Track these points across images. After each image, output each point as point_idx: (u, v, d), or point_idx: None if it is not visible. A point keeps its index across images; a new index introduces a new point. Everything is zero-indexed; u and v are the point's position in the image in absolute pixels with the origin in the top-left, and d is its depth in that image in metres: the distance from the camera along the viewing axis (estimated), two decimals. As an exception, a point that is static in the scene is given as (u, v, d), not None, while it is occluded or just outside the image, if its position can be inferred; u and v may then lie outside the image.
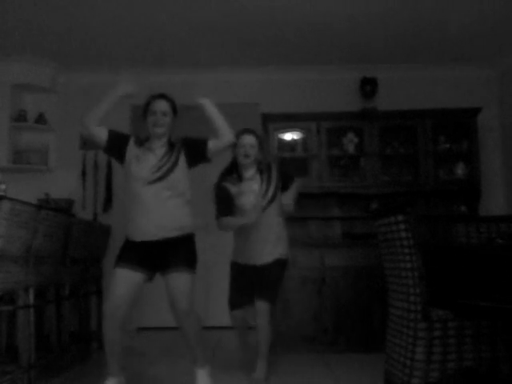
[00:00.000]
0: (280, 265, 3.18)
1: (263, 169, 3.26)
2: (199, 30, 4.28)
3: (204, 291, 5.59)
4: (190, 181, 2.89)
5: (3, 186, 3.28)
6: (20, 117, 4.90)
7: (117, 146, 2.81)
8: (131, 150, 2.80)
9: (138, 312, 5.32)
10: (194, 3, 3.83)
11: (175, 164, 2.79)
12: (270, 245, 3.15)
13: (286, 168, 4.55)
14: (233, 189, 3.18)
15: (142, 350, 4.29)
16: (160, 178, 2.72)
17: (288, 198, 3.26)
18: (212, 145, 2.85)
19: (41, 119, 4.97)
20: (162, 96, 2.86)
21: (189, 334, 2.80)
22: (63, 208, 4.42)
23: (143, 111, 2.85)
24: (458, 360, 2.36)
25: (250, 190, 3.15)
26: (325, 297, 4.11)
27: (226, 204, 3.16)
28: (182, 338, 2.84)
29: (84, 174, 5.06)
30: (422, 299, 2.37)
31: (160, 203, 2.71)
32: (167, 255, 2.74)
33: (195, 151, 2.85)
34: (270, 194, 3.17)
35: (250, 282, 3.19)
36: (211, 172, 5.49)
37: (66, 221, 3.43)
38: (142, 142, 2.85)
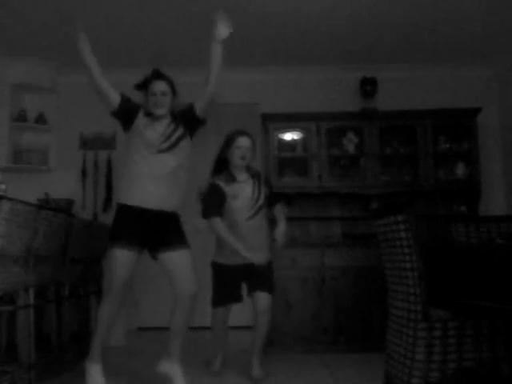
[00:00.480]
0: (271, 268, 3.25)
1: (254, 173, 3.26)
2: (199, 30, 4.28)
3: (202, 292, 5.59)
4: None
5: (3, 186, 3.28)
6: (20, 117, 4.90)
7: (127, 111, 2.85)
8: (140, 119, 2.85)
9: (138, 312, 5.32)
10: (194, 3, 3.83)
11: (182, 135, 2.87)
12: (265, 247, 3.22)
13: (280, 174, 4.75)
14: (227, 189, 3.13)
15: (141, 350, 4.29)
16: (169, 148, 2.79)
17: (280, 233, 3.18)
18: (198, 105, 2.92)
19: (41, 119, 4.98)
20: (161, 76, 2.90)
21: (183, 321, 2.83)
22: (63, 208, 4.42)
23: (141, 87, 2.89)
24: (458, 360, 2.36)
25: (244, 193, 3.14)
26: (325, 297, 4.11)
27: (218, 204, 3.11)
28: (172, 327, 2.85)
29: (84, 174, 5.06)
30: (422, 299, 2.37)
31: (167, 173, 2.78)
32: (164, 232, 2.80)
33: (189, 120, 2.91)
34: (261, 199, 3.18)
35: (238, 282, 3.19)
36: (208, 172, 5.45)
37: (66, 221, 3.43)
38: (148, 114, 2.89)
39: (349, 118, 4.80)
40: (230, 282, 3.21)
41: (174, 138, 2.83)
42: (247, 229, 3.11)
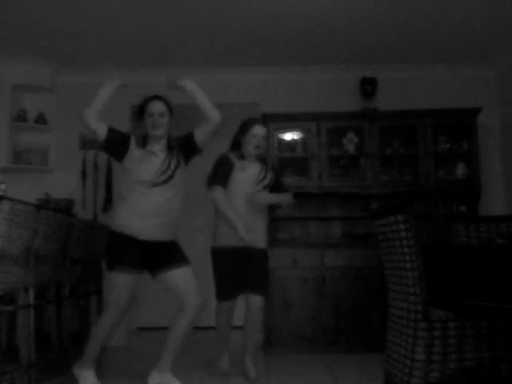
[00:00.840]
0: (267, 256, 3.24)
1: (262, 159, 3.31)
2: (199, 30, 4.28)
3: (204, 292, 5.59)
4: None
5: (3, 186, 3.28)
6: (20, 117, 4.89)
7: (115, 144, 2.83)
8: (133, 150, 2.83)
9: (138, 312, 5.32)
10: (194, 3, 3.83)
11: (178, 166, 2.87)
12: (263, 230, 3.20)
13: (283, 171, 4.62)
14: (236, 162, 3.16)
15: (142, 350, 4.29)
16: (165, 181, 2.79)
17: (266, 195, 3.22)
18: (198, 134, 2.94)
19: (41, 119, 4.97)
20: (158, 97, 2.91)
21: (185, 330, 2.86)
22: (63, 208, 4.42)
23: (137, 112, 2.91)
24: (458, 360, 2.36)
25: (251, 169, 3.17)
26: (325, 297, 4.11)
27: (225, 174, 3.13)
28: (170, 335, 2.88)
29: (84, 174, 5.06)
30: (422, 299, 2.37)
31: (161, 205, 2.79)
32: (162, 255, 2.83)
33: (187, 148, 2.94)
34: (267, 179, 3.21)
35: (240, 269, 3.13)
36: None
37: (66, 221, 3.43)
38: (143, 143, 2.88)
39: (349, 118, 4.80)
40: (231, 269, 3.14)
41: (169, 171, 2.83)
42: (248, 205, 3.09)
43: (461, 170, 4.75)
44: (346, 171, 4.88)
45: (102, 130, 2.80)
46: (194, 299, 2.83)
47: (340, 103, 4.98)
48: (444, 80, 5.06)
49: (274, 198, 3.21)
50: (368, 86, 4.91)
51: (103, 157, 5.12)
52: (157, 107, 2.86)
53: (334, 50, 4.72)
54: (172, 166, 2.84)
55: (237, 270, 3.14)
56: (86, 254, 3.81)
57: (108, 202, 5.03)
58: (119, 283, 2.76)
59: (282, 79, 5.13)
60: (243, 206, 3.09)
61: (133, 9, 3.90)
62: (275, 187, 3.28)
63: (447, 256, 2.55)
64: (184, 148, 2.93)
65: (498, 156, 4.99)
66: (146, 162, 2.81)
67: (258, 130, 3.16)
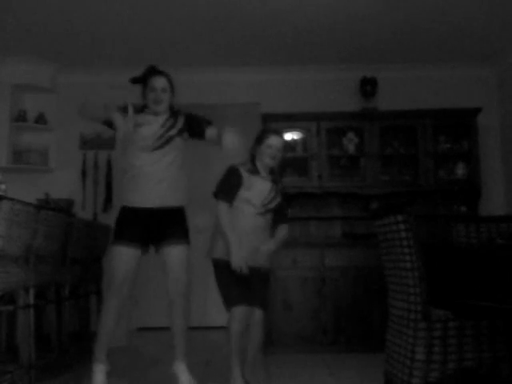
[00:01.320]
0: (269, 278, 3.06)
1: (275, 179, 3.05)
2: (199, 30, 4.29)
3: (203, 292, 5.59)
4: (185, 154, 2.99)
5: (3, 186, 3.28)
6: (20, 117, 4.90)
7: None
8: (131, 117, 2.81)
9: (138, 312, 5.32)
10: (194, 3, 3.83)
11: (178, 133, 2.88)
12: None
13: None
14: (245, 176, 2.94)
15: (142, 350, 4.29)
16: (163, 145, 2.81)
17: (265, 249, 2.93)
18: (209, 133, 2.97)
19: (41, 119, 4.97)
20: (160, 72, 2.89)
21: (183, 322, 2.87)
22: (63, 208, 4.42)
23: (139, 81, 2.89)
24: (458, 360, 2.36)
25: (261, 188, 2.94)
26: (325, 297, 4.11)
27: (232, 189, 2.94)
28: (174, 330, 2.88)
29: (84, 174, 5.06)
30: (422, 299, 2.37)
31: (162, 170, 2.80)
32: (165, 227, 2.84)
33: (195, 128, 2.95)
34: (274, 203, 2.97)
35: (244, 280, 2.87)
36: (211, 173, 5.51)
37: (66, 221, 3.43)
38: (142, 109, 2.88)
39: (349, 118, 4.80)
40: (245, 280, 2.87)
41: (167, 136, 2.83)
42: (253, 225, 2.91)
43: (461, 169, 4.75)
44: (346, 171, 4.88)
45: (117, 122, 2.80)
46: (179, 288, 2.85)
47: (340, 103, 4.98)
48: (444, 80, 5.06)
49: (274, 246, 2.98)
50: (368, 86, 4.91)
51: (103, 157, 5.12)
52: (159, 82, 2.86)
53: (334, 49, 4.72)
54: (171, 131, 2.85)
55: (245, 282, 2.90)
56: (85, 254, 3.81)
57: (108, 202, 5.03)
58: (119, 257, 2.76)
59: (282, 79, 5.13)
60: (248, 223, 2.90)
61: (133, 9, 3.90)
62: (277, 211, 3.02)
63: (447, 256, 2.55)
64: (193, 127, 2.95)
65: (498, 156, 4.99)
66: (145, 126, 2.82)
67: (274, 141, 2.96)
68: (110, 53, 4.73)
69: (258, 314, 2.91)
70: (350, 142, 4.85)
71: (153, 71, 2.89)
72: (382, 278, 2.88)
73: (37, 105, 5.04)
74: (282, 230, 3.03)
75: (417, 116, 4.73)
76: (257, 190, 2.92)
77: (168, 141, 2.83)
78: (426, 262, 2.40)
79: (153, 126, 2.82)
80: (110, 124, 2.84)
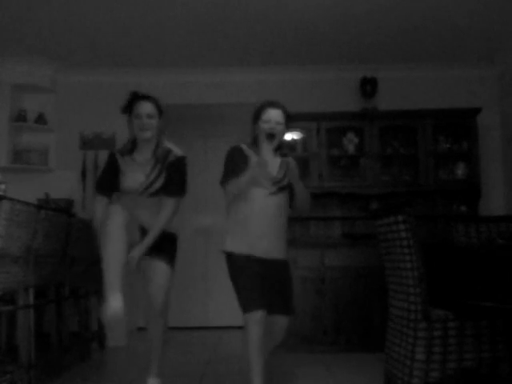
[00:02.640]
0: (288, 268, 2.76)
1: (283, 148, 2.76)
2: (199, 31, 4.29)
3: (204, 292, 5.60)
4: None
5: (3, 186, 3.28)
6: (20, 117, 4.89)
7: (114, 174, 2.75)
8: (121, 164, 2.75)
9: (138, 312, 5.32)
10: (195, 3, 3.83)
11: (162, 182, 2.73)
12: (283, 238, 2.70)
13: None
14: (252, 156, 2.66)
15: (142, 350, 4.29)
16: (151, 195, 2.71)
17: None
18: (168, 204, 2.73)
19: (41, 119, 4.97)
20: (146, 97, 2.73)
21: (153, 336, 2.76)
22: (63, 208, 4.42)
23: (124, 111, 2.75)
24: (458, 360, 2.36)
25: (265, 172, 2.63)
26: (324, 297, 4.11)
27: (238, 167, 2.61)
28: (147, 339, 2.80)
29: (84, 174, 5.06)
30: (422, 299, 2.37)
31: (147, 209, 2.70)
32: (159, 243, 2.69)
33: (169, 182, 2.74)
34: (284, 182, 2.69)
35: (261, 280, 2.57)
36: (211, 173, 5.48)
37: (66, 221, 3.43)
38: (131, 149, 2.76)
39: (349, 118, 4.80)
40: (259, 279, 2.55)
41: (156, 186, 2.71)
42: (264, 207, 2.60)
43: (461, 169, 4.75)
44: (346, 171, 4.88)
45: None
46: (151, 303, 2.72)
47: (340, 103, 4.98)
48: (444, 80, 5.06)
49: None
50: (368, 86, 4.91)
51: (103, 157, 5.11)
52: (145, 108, 2.68)
53: (334, 50, 4.72)
54: (157, 183, 2.71)
55: (264, 282, 2.58)
56: (86, 253, 3.81)
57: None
58: (112, 210, 2.59)
59: (282, 79, 5.13)
60: (259, 206, 2.60)
61: (133, 9, 3.90)
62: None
63: (447, 256, 2.55)
64: (169, 176, 2.75)
65: (498, 156, 4.99)
66: (133, 172, 2.71)
67: (271, 114, 2.67)
68: (110, 53, 4.73)
69: (282, 320, 2.66)
70: (350, 142, 4.85)
71: (136, 97, 2.73)
72: (382, 277, 2.89)
73: (37, 105, 5.04)
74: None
75: (417, 116, 4.73)
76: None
77: (156, 193, 2.70)
78: (426, 261, 2.40)
79: (138, 176, 2.70)
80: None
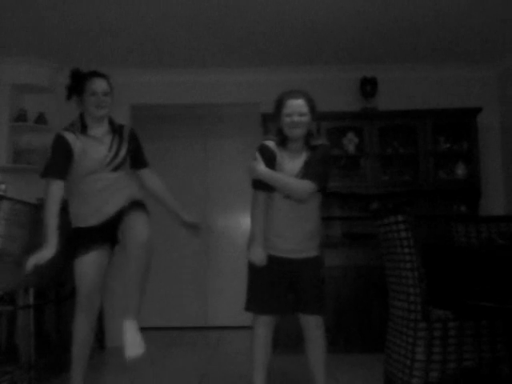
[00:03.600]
0: (318, 266, 2.64)
1: (310, 145, 2.55)
2: (199, 30, 4.28)
3: (204, 292, 5.60)
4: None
5: (3, 186, 3.28)
6: (20, 117, 4.89)
7: (63, 163, 2.59)
8: (74, 144, 2.59)
9: (138, 312, 5.32)
10: (194, 3, 3.83)
11: (125, 154, 2.67)
12: (311, 235, 2.57)
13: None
14: (278, 153, 2.53)
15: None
16: (115, 169, 2.61)
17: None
18: (146, 174, 2.82)
19: (41, 119, 4.97)
20: (100, 74, 2.70)
21: (133, 271, 2.49)
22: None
23: (73, 90, 2.69)
24: (458, 360, 2.36)
25: (290, 165, 2.51)
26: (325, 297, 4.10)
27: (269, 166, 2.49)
28: (127, 281, 2.54)
29: (84, 173, 5.05)
30: (422, 299, 2.37)
31: (107, 186, 2.59)
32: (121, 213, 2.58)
33: (138, 156, 2.77)
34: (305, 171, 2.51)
35: (283, 281, 2.53)
36: (211, 172, 5.49)
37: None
38: (82, 129, 2.64)
39: (349, 118, 4.80)
40: (276, 281, 2.51)
41: (118, 161, 2.63)
42: (287, 208, 2.49)
43: (461, 169, 4.75)
44: (346, 171, 4.88)
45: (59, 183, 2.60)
46: (137, 236, 2.49)
47: (340, 103, 4.98)
48: (444, 80, 5.06)
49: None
50: (368, 86, 4.91)
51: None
52: (101, 85, 2.64)
53: (334, 50, 4.71)
54: (121, 154, 2.64)
55: (281, 280, 2.54)
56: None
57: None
58: (84, 265, 2.54)
59: (281, 79, 5.12)
60: (280, 208, 2.51)
61: (133, 9, 3.90)
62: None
63: (447, 256, 2.55)
64: (135, 157, 2.75)
65: (498, 156, 4.99)
66: (91, 152, 2.58)
67: (292, 103, 2.49)
68: (109, 53, 4.72)
69: (311, 320, 2.58)
70: (349, 142, 4.85)
71: (90, 73, 2.68)
72: (382, 277, 2.89)
73: (37, 105, 5.04)
74: (294, 179, 2.49)
75: (417, 116, 4.73)
76: (286, 167, 2.50)
77: (119, 165, 2.63)
78: (425, 261, 2.40)
79: (99, 150, 2.60)
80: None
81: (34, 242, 2.92)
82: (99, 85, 2.64)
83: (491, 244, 2.91)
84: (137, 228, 2.49)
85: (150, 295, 5.18)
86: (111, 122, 2.72)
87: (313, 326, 2.61)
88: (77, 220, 2.66)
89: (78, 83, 2.69)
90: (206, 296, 5.56)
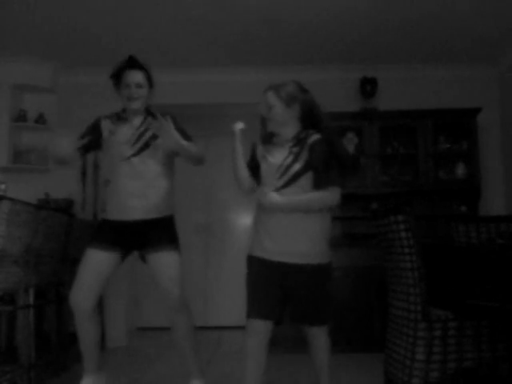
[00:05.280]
0: (323, 275, 2.31)
1: (302, 134, 2.38)
2: (199, 30, 4.28)
3: (204, 292, 5.60)
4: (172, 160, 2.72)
5: (3, 186, 3.29)
6: (20, 117, 4.89)
7: (89, 141, 2.62)
8: (105, 128, 2.63)
9: (138, 312, 5.32)
10: (194, 3, 3.83)
11: (156, 136, 2.57)
12: (315, 238, 2.28)
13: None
14: (260, 147, 2.43)
15: (141, 350, 4.29)
16: (139, 151, 2.55)
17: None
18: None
19: (41, 119, 4.97)
20: (136, 65, 2.60)
21: (180, 335, 2.59)
22: (63, 208, 4.42)
23: (114, 80, 2.63)
24: (458, 360, 2.36)
25: (273, 161, 2.33)
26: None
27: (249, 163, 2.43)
28: (175, 341, 2.65)
29: (84, 174, 5.05)
30: (422, 299, 2.37)
31: (138, 181, 2.54)
32: (149, 234, 2.56)
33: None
34: (295, 168, 2.28)
35: (279, 287, 2.28)
36: (211, 172, 5.50)
37: (66, 221, 3.43)
38: (118, 115, 2.65)
39: (349, 118, 4.79)
40: (267, 285, 2.28)
41: (146, 137, 2.55)
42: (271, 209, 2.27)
43: (461, 169, 4.75)
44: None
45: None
46: (172, 288, 2.56)
47: (340, 103, 4.98)
48: (444, 80, 5.06)
49: (281, 199, 2.24)
50: (368, 86, 4.91)
51: (103, 157, 5.12)
52: (134, 77, 2.56)
53: (334, 49, 4.71)
54: (148, 134, 2.57)
55: (273, 285, 2.27)
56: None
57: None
58: (88, 259, 2.49)
59: (282, 79, 5.11)
60: (269, 209, 2.28)
61: (133, 9, 3.90)
62: (318, 175, 2.28)
63: (447, 256, 2.55)
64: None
65: (498, 156, 4.99)
66: (118, 133, 2.57)
67: (267, 99, 2.41)
68: (110, 53, 4.72)
69: (313, 330, 2.38)
70: (349, 142, 4.85)
71: (128, 64, 2.59)
72: (382, 277, 2.89)
73: (37, 105, 5.04)
74: (316, 194, 2.26)
75: (417, 116, 4.73)
76: (268, 164, 2.34)
77: (144, 147, 2.56)
78: (425, 261, 2.40)
79: (125, 131, 2.57)
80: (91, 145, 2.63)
81: (34, 242, 2.92)
82: (132, 76, 2.57)
83: (491, 244, 2.91)
84: (167, 283, 2.54)
85: (151, 295, 5.19)
86: (148, 111, 2.65)
87: (314, 335, 2.40)
88: (105, 211, 2.65)
89: (117, 75, 2.63)
90: (206, 296, 5.56)
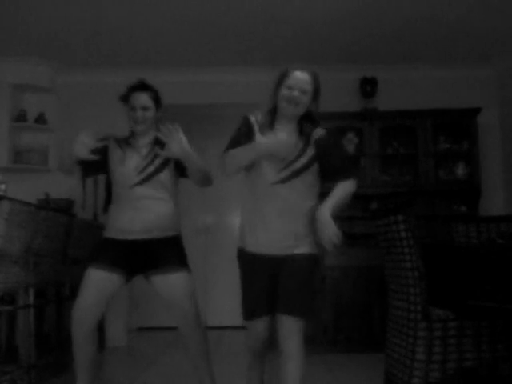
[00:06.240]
0: (309, 263, 2.16)
1: (306, 128, 2.32)
2: (199, 30, 4.28)
3: (203, 292, 5.60)
4: (178, 185, 2.72)
5: (3, 186, 3.29)
6: (20, 117, 4.89)
7: (92, 162, 2.57)
8: (112, 152, 2.62)
9: (138, 312, 5.32)
10: (194, 3, 3.83)
11: (165, 164, 2.57)
12: (304, 231, 2.18)
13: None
14: (256, 126, 2.23)
15: (142, 350, 4.29)
16: (145, 179, 2.54)
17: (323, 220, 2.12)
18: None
19: (41, 119, 4.97)
20: (143, 87, 2.58)
21: (196, 351, 2.56)
22: (63, 208, 4.42)
23: (122, 99, 2.61)
24: (458, 360, 2.36)
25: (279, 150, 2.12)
26: (324, 297, 4.11)
27: (241, 139, 2.22)
28: (189, 359, 2.61)
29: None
30: (422, 299, 2.37)
31: (145, 204, 2.53)
32: (156, 254, 2.51)
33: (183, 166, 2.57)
34: (302, 160, 2.21)
35: (270, 281, 2.14)
36: (211, 174, 5.44)
37: (66, 221, 3.43)
38: (126, 140, 2.64)
39: (349, 118, 4.80)
40: (258, 281, 2.15)
41: (151, 169, 2.54)
42: (274, 198, 2.12)
43: (461, 169, 4.75)
44: (345, 171, 4.87)
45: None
46: (187, 312, 2.48)
47: (340, 103, 4.98)
48: (444, 80, 5.06)
49: (329, 209, 2.16)
50: (368, 86, 4.91)
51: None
52: (140, 100, 2.54)
53: (334, 50, 4.72)
54: (156, 162, 2.54)
55: (263, 280, 2.15)
56: (86, 254, 3.81)
57: (108, 203, 5.02)
58: (89, 279, 2.43)
59: (281, 79, 5.13)
60: (266, 198, 2.15)
61: (133, 9, 3.90)
62: (327, 170, 2.27)
63: (447, 256, 2.55)
64: (181, 164, 2.56)
65: (498, 156, 4.99)
66: (126, 160, 2.55)
67: (297, 78, 2.17)
68: (110, 53, 4.72)
69: (288, 322, 2.06)
70: (349, 142, 4.85)
71: (133, 88, 2.59)
72: (382, 277, 2.89)
73: (37, 105, 5.04)
74: (340, 188, 2.24)
75: (417, 116, 4.73)
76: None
77: (152, 175, 2.54)
78: (425, 262, 2.40)
79: (133, 159, 2.55)
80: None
81: (34, 242, 2.92)
82: (137, 99, 2.55)
83: (491, 244, 2.91)
84: (178, 299, 2.47)
85: (151, 295, 5.19)
86: (157, 140, 2.59)
87: (287, 331, 2.07)
88: (107, 228, 2.64)
89: (125, 97, 2.61)
90: (206, 296, 5.56)
